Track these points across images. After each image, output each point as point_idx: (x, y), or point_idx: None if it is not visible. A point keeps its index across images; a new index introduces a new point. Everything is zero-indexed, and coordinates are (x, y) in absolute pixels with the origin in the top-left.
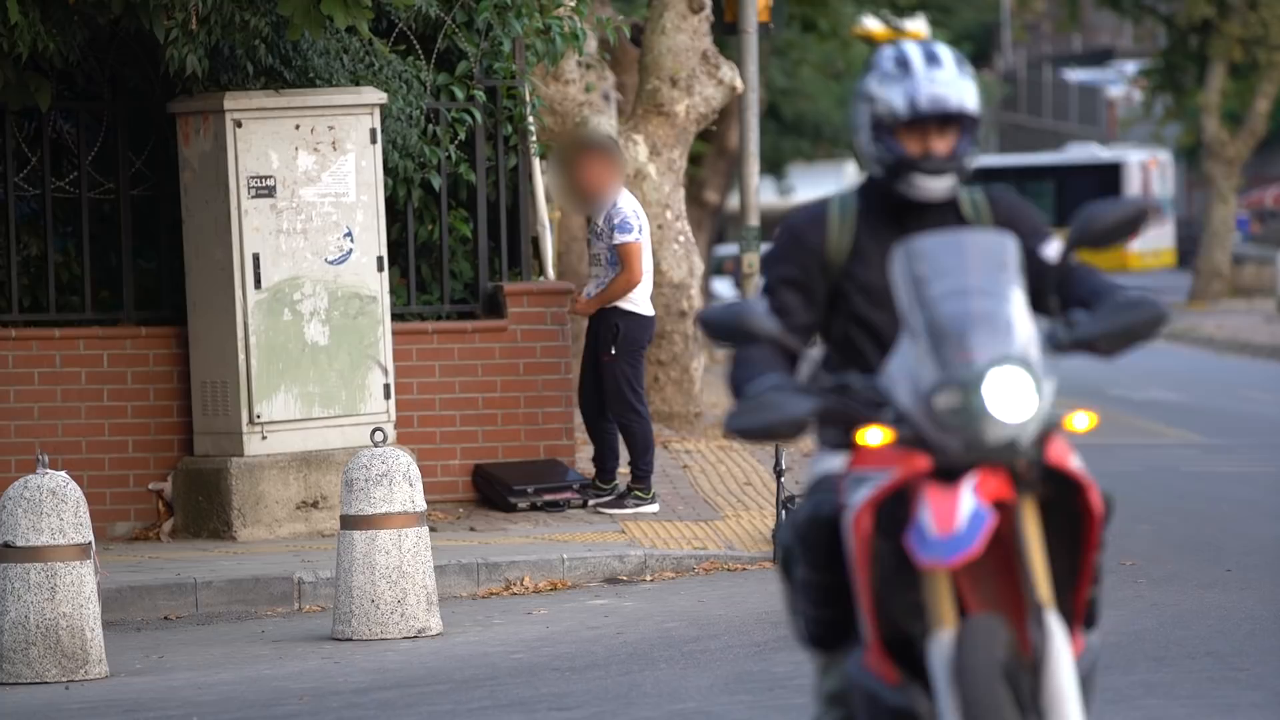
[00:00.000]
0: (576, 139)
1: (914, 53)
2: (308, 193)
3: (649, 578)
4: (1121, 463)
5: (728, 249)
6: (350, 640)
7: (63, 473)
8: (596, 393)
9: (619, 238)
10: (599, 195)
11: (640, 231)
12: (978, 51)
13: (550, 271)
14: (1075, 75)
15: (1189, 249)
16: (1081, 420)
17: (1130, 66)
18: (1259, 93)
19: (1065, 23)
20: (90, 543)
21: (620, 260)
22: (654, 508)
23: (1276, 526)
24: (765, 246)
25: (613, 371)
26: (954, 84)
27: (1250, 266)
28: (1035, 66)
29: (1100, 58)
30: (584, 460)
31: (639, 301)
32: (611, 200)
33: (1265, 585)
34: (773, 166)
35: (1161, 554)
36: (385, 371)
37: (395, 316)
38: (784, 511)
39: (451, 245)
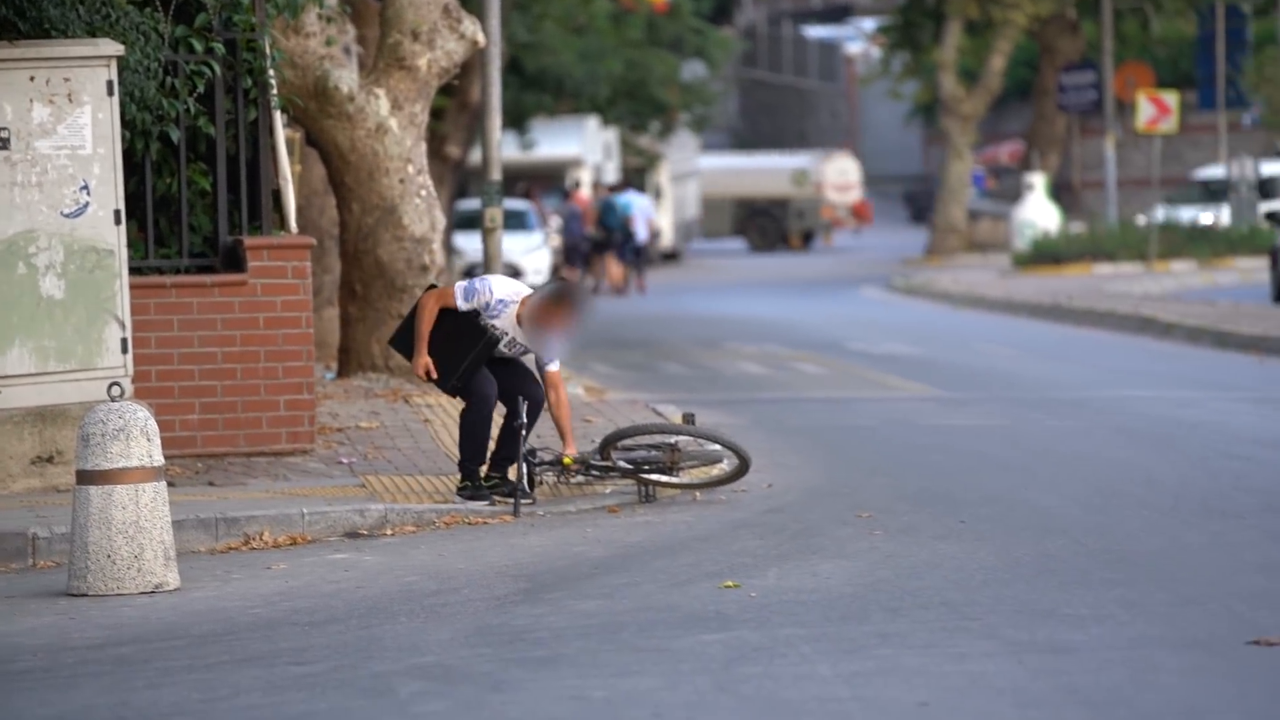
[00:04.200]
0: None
1: None
2: (43, 145)
3: (389, 532)
4: (858, 416)
5: (470, 203)
6: (86, 596)
7: None
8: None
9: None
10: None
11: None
12: (718, 7)
13: (292, 225)
14: (815, 32)
15: (926, 204)
16: None
17: (869, 23)
18: (994, 50)
19: None
20: None
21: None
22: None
23: (1009, 478)
24: (508, 201)
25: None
26: None
27: (985, 222)
28: (775, 23)
29: (839, 14)
30: (324, 414)
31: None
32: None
33: (998, 536)
34: (515, 121)
35: (897, 506)
36: (123, 326)
37: (133, 270)
38: (525, 464)
39: (190, 199)
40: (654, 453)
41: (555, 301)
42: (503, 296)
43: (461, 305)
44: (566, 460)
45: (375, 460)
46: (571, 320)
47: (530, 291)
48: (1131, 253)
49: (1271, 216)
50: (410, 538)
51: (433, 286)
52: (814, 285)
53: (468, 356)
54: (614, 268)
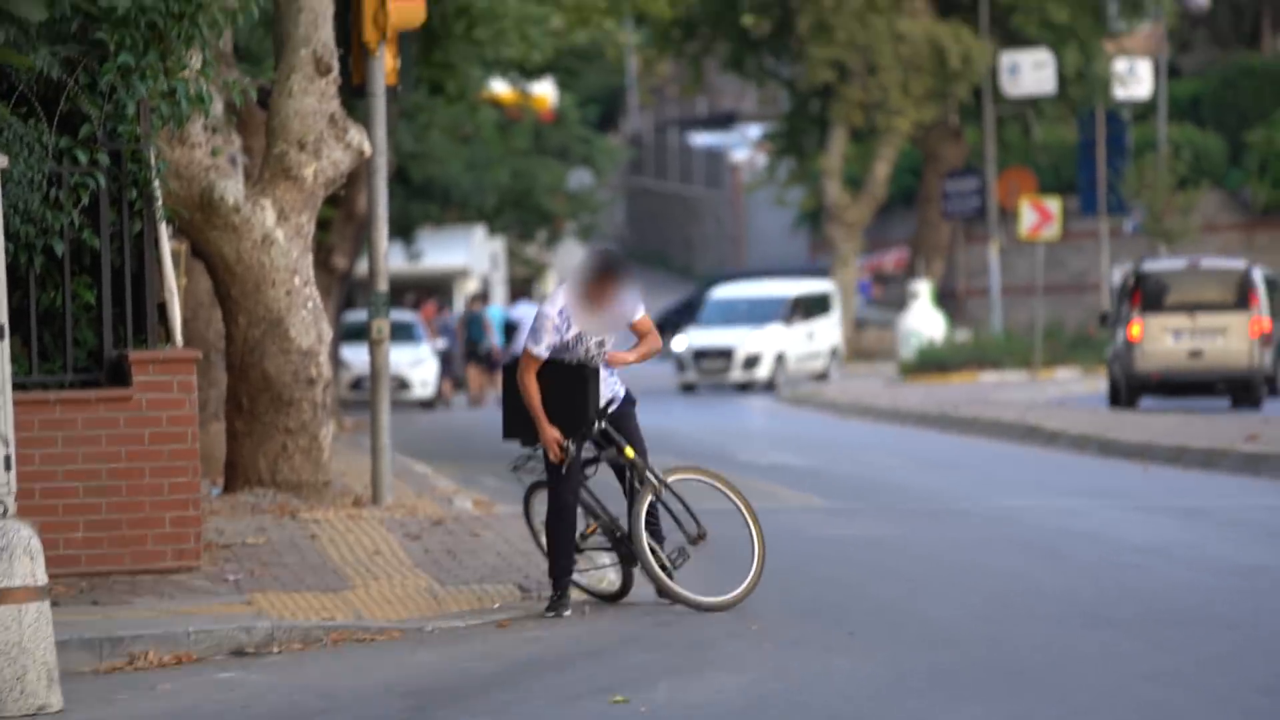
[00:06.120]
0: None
1: None
2: None
3: (276, 649)
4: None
5: (357, 314)
6: None
7: None
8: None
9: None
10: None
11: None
12: (604, 115)
13: (178, 338)
14: (700, 139)
15: None
16: None
17: (754, 130)
18: (878, 157)
19: (690, 87)
20: None
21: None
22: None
23: (899, 588)
24: (395, 312)
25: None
26: None
27: (872, 330)
28: (661, 130)
29: (724, 121)
30: (210, 531)
31: None
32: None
33: (889, 648)
34: (402, 231)
35: (787, 618)
36: (6, 443)
37: (17, 386)
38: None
39: (75, 312)
40: (684, 527)
41: (598, 277)
42: (560, 307)
43: (544, 353)
44: (629, 453)
45: (262, 577)
46: (624, 281)
47: (566, 282)
48: (1017, 360)
49: (1103, 319)
50: (298, 655)
51: (512, 364)
52: (700, 395)
53: (586, 399)
54: (474, 377)
